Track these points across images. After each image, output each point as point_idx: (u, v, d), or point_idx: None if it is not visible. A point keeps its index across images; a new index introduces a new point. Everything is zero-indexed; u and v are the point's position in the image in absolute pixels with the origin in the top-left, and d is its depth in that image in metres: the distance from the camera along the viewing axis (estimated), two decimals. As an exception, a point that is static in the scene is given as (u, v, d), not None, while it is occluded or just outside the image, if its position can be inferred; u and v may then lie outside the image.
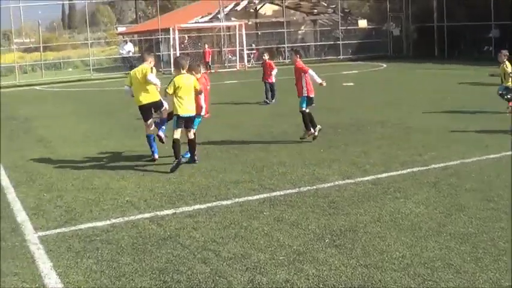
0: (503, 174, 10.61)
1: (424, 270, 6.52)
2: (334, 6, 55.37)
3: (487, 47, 45.57)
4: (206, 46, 43.79)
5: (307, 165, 11.97)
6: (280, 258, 7.05)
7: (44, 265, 7.24)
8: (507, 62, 18.30)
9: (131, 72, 13.98)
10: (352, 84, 29.50)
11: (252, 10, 54.17)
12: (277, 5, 55.11)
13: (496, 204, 8.87)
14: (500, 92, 17.99)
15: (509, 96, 17.70)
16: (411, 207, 8.81)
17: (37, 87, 38.11)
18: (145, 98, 13.02)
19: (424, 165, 11.50)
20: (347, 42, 52.68)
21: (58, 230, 8.57)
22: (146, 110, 13.24)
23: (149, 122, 13.30)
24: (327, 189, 10.20)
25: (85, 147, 15.22)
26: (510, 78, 17.76)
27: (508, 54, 18.75)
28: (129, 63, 41.94)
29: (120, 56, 50.42)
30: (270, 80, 23.74)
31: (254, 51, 51.19)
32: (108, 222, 8.84)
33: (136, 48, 59.84)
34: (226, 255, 7.22)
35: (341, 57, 51.50)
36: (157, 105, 13.20)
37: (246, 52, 47.79)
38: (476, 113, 17.56)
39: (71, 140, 16.53)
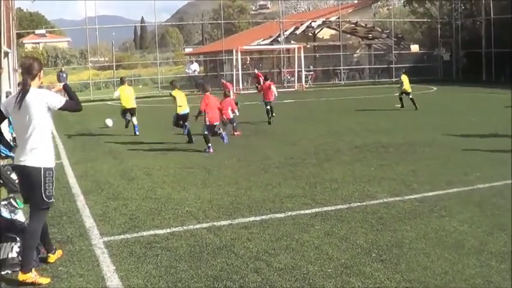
0: (546, 195, 10.38)
1: (465, 286, 6.40)
2: (388, 31, 55.24)
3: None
4: (256, 70, 44.06)
5: (358, 182, 11.86)
6: (329, 270, 6.99)
7: (108, 268, 7.31)
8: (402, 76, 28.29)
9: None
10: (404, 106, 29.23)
11: (310, 34, 54.25)
12: (334, 29, 55.14)
13: (538, 224, 8.67)
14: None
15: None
16: (455, 226, 8.64)
17: (108, 103, 38.59)
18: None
19: (469, 185, 11.29)
20: (400, 65, 52.19)
21: (122, 236, 8.66)
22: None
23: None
24: (376, 205, 10.08)
25: (151, 159, 15.41)
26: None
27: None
28: (194, 82, 42.34)
29: (186, 74, 51.01)
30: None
31: (312, 73, 51.22)
32: (168, 230, 8.88)
33: (202, 68, 60.35)
34: (278, 265, 7.18)
35: (394, 79, 51.05)
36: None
37: (304, 73, 47.84)
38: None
39: (138, 152, 16.75)
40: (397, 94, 28.64)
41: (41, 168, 7.01)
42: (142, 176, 13.27)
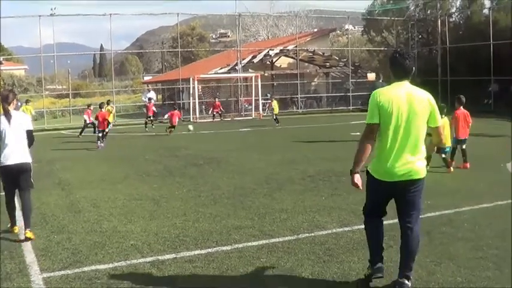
0: (495, 223, 10.43)
1: (408, 320, 6.30)
2: (345, 60, 55.70)
3: (487, 101, 45.79)
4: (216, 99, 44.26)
5: (308, 212, 11.75)
6: (271, 305, 6.84)
7: (44, 307, 7.06)
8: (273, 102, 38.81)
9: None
10: (359, 133, 29.30)
11: (268, 62, 54.42)
12: (291, 58, 55.42)
13: (484, 253, 8.65)
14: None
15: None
16: (403, 255, 8.55)
17: (63, 132, 38.29)
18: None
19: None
20: (357, 94, 52.62)
21: (62, 272, 8.38)
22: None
23: None
24: (324, 236, 9.96)
25: (100, 191, 15.11)
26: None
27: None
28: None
29: (143, 103, 50.82)
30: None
31: (269, 101, 51.33)
32: (110, 265, 8.63)
33: (160, 96, 60.18)
34: (219, 301, 7.01)
35: (351, 107, 51.47)
36: None
37: (261, 102, 47.90)
38: (473, 162, 17.30)
39: (87, 183, 16.42)
40: (273, 117, 38.35)
41: (30, 163, 10.63)
42: (89, 208, 12.97)
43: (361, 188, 7.19)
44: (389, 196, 7.40)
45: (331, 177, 15.87)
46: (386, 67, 8.09)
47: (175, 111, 34.36)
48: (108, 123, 29.13)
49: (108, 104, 32.82)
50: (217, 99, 43.87)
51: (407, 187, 7.13)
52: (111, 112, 31.96)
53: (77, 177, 17.65)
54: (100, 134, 26.67)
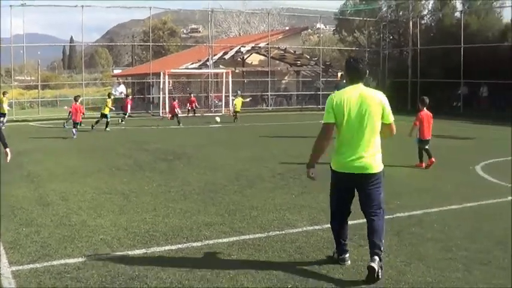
0: (463, 225, 10.54)
1: (378, 320, 6.34)
2: (316, 58, 55.76)
3: (456, 103, 46.24)
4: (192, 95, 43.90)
5: (278, 210, 11.76)
6: (241, 302, 6.83)
7: (13, 301, 6.98)
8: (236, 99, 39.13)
9: None
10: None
11: (239, 59, 54.33)
12: (263, 55, 55.40)
13: (454, 254, 8.74)
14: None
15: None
16: (373, 255, 8.60)
17: (32, 123, 37.92)
18: None
19: (389, 214, 11.22)
20: (327, 92, 52.60)
21: (31, 266, 8.29)
22: None
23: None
24: (295, 234, 9.97)
25: (69, 184, 14.95)
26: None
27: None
28: (120, 104, 41.88)
29: (113, 96, 50.43)
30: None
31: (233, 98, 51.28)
32: (80, 259, 8.55)
33: (130, 90, 59.81)
34: (189, 297, 6.98)
35: (321, 106, 51.49)
36: None
37: (231, 98, 47.78)
38: (442, 164, 17.46)
39: (57, 176, 16.24)
40: (233, 114, 38.82)
41: None
42: (58, 201, 12.83)
43: (315, 179, 8.08)
44: (349, 190, 8.07)
45: (301, 176, 15.82)
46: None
47: (175, 102, 36.42)
48: (105, 115, 31.91)
49: (109, 97, 33.87)
50: (192, 95, 43.64)
51: (364, 181, 7.78)
52: (107, 106, 32.30)
53: (47, 170, 17.46)
54: (75, 126, 28.29)
